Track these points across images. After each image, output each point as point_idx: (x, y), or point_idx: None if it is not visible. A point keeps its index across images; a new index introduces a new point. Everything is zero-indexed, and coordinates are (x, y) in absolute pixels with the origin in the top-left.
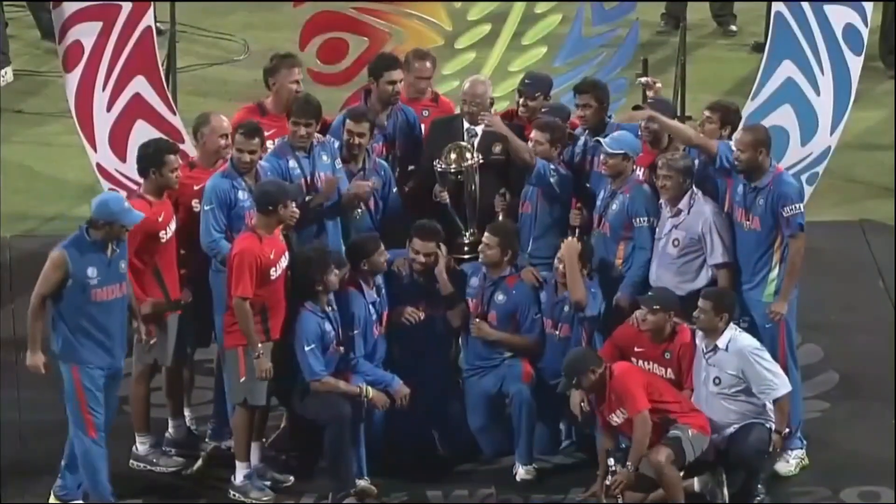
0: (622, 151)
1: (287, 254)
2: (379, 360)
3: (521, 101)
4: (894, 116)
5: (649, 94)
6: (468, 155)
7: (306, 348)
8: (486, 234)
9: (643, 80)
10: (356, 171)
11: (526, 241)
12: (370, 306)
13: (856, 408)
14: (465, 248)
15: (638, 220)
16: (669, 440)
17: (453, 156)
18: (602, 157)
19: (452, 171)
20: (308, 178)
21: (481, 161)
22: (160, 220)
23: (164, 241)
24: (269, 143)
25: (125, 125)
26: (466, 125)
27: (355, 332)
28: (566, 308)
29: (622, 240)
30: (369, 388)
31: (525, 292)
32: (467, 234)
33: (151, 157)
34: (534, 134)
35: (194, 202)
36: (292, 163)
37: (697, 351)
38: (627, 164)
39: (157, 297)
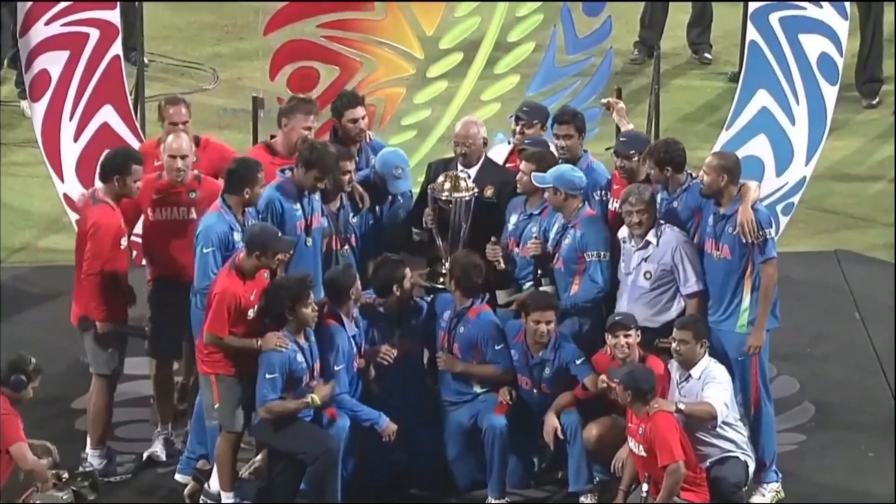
0: (549, 185)
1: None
2: (357, 392)
3: (518, 128)
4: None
5: (622, 127)
6: (462, 184)
7: (266, 375)
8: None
9: (604, 100)
10: (337, 209)
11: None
12: (351, 339)
13: (832, 439)
14: (442, 280)
15: (588, 254)
16: None
17: (448, 184)
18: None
19: (443, 198)
20: (307, 220)
21: (476, 194)
22: (122, 225)
23: (123, 247)
24: None
25: (93, 155)
26: (460, 167)
27: (340, 366)
28: (546, 370)
29: (576, 274)
30: (314, 396)
31: (486, 323)
32: (447, 264)
33: (121, 163)
34: (522, 166)
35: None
36: (296, 205)
37: (672, 381)
38: (569, 201)
39: (115, 302)
